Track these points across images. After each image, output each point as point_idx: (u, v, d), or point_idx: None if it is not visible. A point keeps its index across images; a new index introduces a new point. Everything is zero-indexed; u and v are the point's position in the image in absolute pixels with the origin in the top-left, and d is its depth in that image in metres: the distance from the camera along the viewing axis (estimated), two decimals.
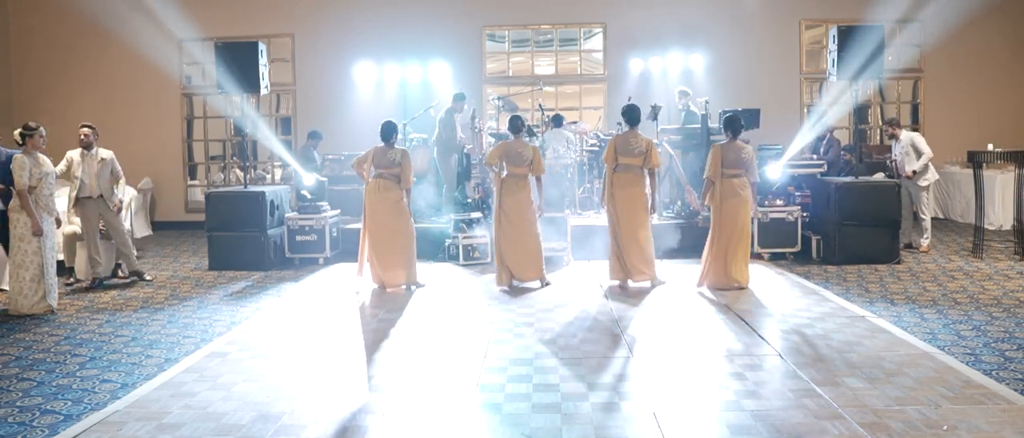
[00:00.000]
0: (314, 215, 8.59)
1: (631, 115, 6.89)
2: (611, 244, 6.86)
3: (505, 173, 7.00)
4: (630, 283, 6.88)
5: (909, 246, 8.90)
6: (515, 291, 6.86)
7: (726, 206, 6.70)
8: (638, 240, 6.76)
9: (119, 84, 12.34)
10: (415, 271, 7.05)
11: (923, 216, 8.83)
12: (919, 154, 8.78)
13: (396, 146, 7.04)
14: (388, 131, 7.00)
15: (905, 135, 9.02)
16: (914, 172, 8.78)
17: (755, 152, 6.93)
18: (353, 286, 7.10)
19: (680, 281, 7.09)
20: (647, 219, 6.83)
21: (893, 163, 9.12)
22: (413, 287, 7.00)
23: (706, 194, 6.88)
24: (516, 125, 7.11)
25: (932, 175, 8.92)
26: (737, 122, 6.82)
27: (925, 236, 8.80)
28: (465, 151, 9.83)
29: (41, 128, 6.35)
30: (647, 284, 6.86)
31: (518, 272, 6.98)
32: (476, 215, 8.69)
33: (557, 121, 10.35)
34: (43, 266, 6.24)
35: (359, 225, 9.24)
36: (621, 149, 6.79)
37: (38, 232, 6.18)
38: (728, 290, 6.64)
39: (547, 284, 7.04)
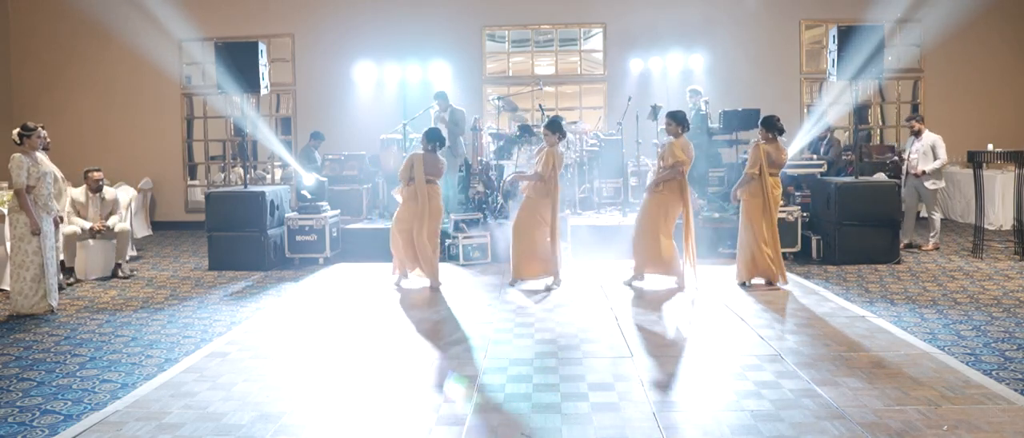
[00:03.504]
0: (314, 215, 8.60)
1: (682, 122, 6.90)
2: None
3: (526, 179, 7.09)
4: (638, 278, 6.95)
5: (910, 246, 8.91)
6: (516, 291, 6.86)
7: (772, 204, 6.77)
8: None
9: (119, 84, 12.35)
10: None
11: (933, 216, 8.86)
12: (936, 156, 8.81)
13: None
14: (436, 136, 7.07)
15: (929, 135, 8.96)
16: (924, 172, 8.81)
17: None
18: (393, 285, 7.17)
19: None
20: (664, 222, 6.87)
21: (901, 157, 9.12)
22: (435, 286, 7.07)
23: (741, 189, 6.84)
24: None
25: (941, 180, 8.95)
26: (776, 123, 6.87)
27: (933, 234, 8.84)
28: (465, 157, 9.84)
29: (40, 128, 6.33)
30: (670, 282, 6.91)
31: (527, 271, 7.04)
32: (476, 215, 8.70)
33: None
34: (43, 266, 6.24)
35: (359, 225, 9.33)
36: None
37: (36, 231, 6.17)
38: (772, 286, 6.77)
39: (559, 284, 7.03)
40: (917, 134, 9.06)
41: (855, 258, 8.04)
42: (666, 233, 6.86)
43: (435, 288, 6.97)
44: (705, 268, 7.61)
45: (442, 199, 7.15)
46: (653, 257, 6.85)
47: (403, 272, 7.16)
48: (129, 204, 9.51)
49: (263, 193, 8.45)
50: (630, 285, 6.96)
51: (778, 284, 6.82)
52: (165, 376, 4.54)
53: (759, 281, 6.88)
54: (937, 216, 8.91)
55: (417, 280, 7.16)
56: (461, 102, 11.47)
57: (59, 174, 6.55)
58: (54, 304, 6.33)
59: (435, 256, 7.02)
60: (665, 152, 6.78)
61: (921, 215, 9.31)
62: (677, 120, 6.82)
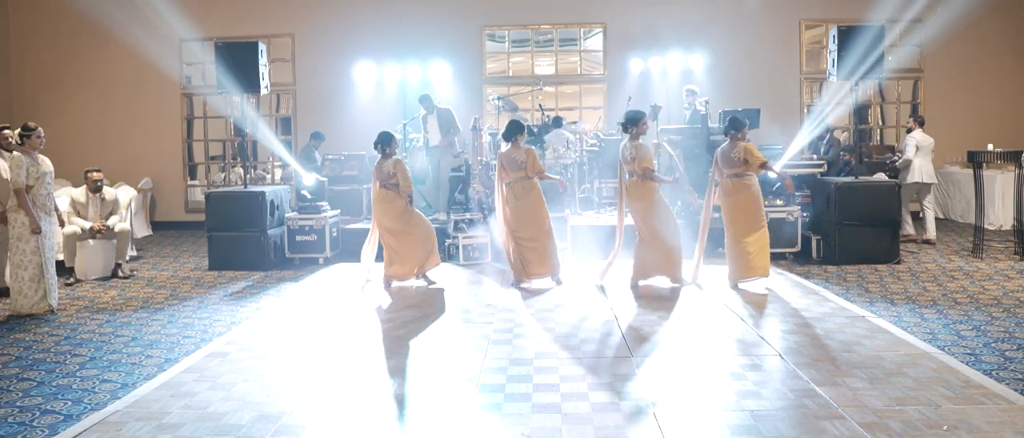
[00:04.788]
0: (314, 215, 8.60)
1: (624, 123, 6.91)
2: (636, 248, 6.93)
3: (508, 181, 7.09)
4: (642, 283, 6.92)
5: (927, 242, 9.27)
6: (516, 291, 6.86)
7: (738, 205, 6.85)
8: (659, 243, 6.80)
9: (119, 84, 12.34)
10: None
11: (925, 214, 9.14)
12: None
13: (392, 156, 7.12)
14: (380, 140, 7.11)
15: (911, 134, 9.57)
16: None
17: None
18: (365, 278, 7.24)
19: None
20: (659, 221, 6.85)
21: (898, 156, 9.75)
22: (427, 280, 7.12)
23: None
24: (507, 132, 7.14)
25: (914, 176, 9.35)
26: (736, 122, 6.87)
27: (927, 233, 9.23)
28: (464, 157, 9.88)
29: (39, 129, 6.32)
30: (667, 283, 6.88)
31: (530, 269, 7.05)
32: (476, 215, 8.70)
33: (556, 122, 10.36)
34: (42, 266, 6.23)
35: (359, 225, 9.33)
36: (624, 158, 6.84)
37: (37, 230, 6.17)
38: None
39: (559, 282, 7.07)
40: (909, 131, 9.65)
41: (855, 258, 8.04)
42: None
43: (427, 280, 7.05)
44: (705, 268, 7.60)
45: (410, 202, 7.11)
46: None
47: (388, 281, 7.14)
48: (129, 204, 9.51)
49: (263, 193, 8.44)
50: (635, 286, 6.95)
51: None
52: (165, 376, 4.54)
53: (754, 281, 6.86)
54: (929, 214, 9.28)
55: (413, 281, 7.17)
56: (461, 102, 11.49)
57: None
58: (54, 304, 6.33)
59: (432, 247, 7.10)
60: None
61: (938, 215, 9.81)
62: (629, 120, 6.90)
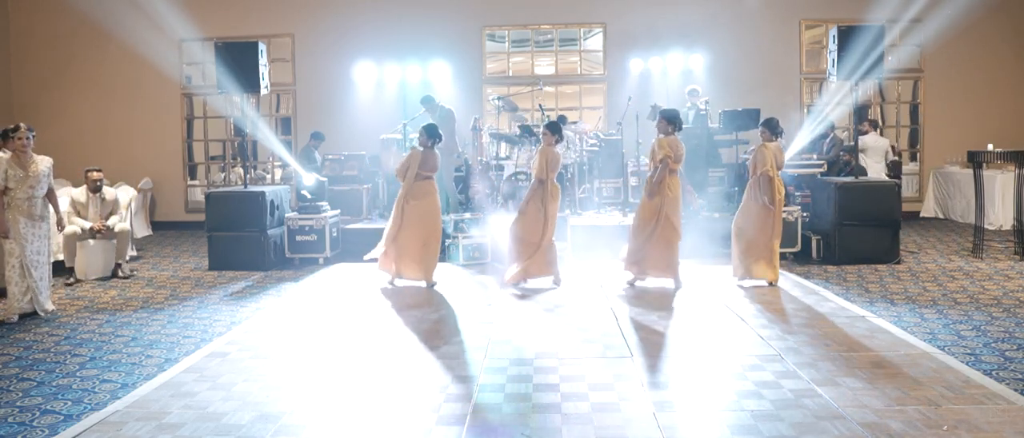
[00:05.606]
0: (314, 215, 8.60)
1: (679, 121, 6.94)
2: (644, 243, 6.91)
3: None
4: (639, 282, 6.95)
5: None
6: (516, 291, 6.86)
7: (779, 204, 6.87)
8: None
9: (119, 84, 12.34)
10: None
11: None
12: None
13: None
14: (434, 133, 7.08)
15: (863, 136, 10.37)
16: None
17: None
18: (384, 281, 7.19)
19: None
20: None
21: (899, 155, 10.42)
22: (430, 285, 7.06)
23: (767, 194, 6.84)
24: (560, 133, 7.22)
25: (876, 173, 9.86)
26: (778, 125, 6.96)
27: None
28: (465, 158, 9.88)
29: (22, 129, 6.14)
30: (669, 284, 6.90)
31: (534, 270, 7.04)
32: (476, 215, 8.70)
33: (561, 121, 10.34)
34: (24, 266, 6.15)
35: (359, 225, 9.33)
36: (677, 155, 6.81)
37: (3, 234, 6.13)
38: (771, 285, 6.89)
39: (558, 283, 7.08)
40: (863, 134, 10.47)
41: (855, 258, 8.05)
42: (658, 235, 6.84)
43: (430, 286, 6.98)
44: (705, 268, 7.62)
45: (439, 196, 7.12)
46: (647, 260, 6.86)
47: (396, 274, 7.12)
48: (129, 204, 9.51)
49: (263, 193, 8.45)
50: (631, 285, 6.97)
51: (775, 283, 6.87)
52: (165, 376, 4.54)
53: (760, 282, 6.88)
54: None
55: (411, 280, 7.13)
56: (461, 102, 11.48)
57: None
58: (43, 305, 6.24)
59: (432, 255, 7.02)
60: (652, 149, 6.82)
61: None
62: (667, 119, 6.86)
